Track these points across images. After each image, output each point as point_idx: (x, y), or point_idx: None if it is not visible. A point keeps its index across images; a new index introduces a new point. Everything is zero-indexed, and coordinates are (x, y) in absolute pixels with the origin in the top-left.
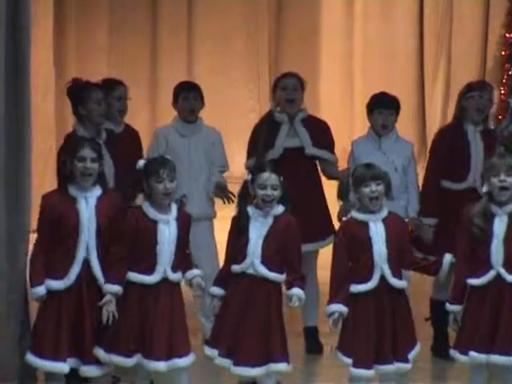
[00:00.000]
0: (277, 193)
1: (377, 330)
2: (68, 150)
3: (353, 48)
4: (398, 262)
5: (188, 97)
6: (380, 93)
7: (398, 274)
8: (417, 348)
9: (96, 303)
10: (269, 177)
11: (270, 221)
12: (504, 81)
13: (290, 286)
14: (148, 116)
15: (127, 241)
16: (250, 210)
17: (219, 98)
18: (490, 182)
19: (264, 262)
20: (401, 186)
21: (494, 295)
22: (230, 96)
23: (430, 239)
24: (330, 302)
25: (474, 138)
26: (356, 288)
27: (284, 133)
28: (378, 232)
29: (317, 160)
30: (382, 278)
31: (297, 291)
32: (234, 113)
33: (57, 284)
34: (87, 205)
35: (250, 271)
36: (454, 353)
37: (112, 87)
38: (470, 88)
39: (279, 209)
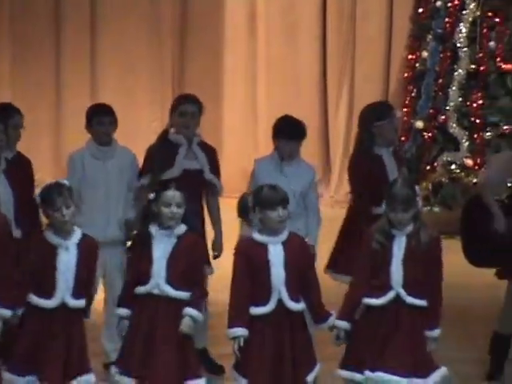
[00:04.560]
0: (181, 210)
1: (274, 353)
2: None
3: (256, 71)
4: (297, 285)
5: (103, 121)
6: (288, 119)
7: (296, 297)
8: (316, 369)
9: None
10: (174, 194)
11: (173, 240)
12: (407, 102)
13: (187, 305)
14: (52, 140)
15: (29, 264)
16: (153, 229)
17: (123, 121)
18: (389, 214)
19: (169, 281)
20: (296, 210)
21: (391, 316)
22: (134, 118)
23: None
24: (232, 325)
25: (390, 161)
26: (254, 310)
27: (182, 154)
28: (276, 255)
29: (207, 186)
30: (280, 301)
31: (189, 311)
32: (137, 135)
33: None
34: None
35: (156, 292)
36: (341, 371)
37: (8, 115)
38: (377, 116)
39: (182, 228)
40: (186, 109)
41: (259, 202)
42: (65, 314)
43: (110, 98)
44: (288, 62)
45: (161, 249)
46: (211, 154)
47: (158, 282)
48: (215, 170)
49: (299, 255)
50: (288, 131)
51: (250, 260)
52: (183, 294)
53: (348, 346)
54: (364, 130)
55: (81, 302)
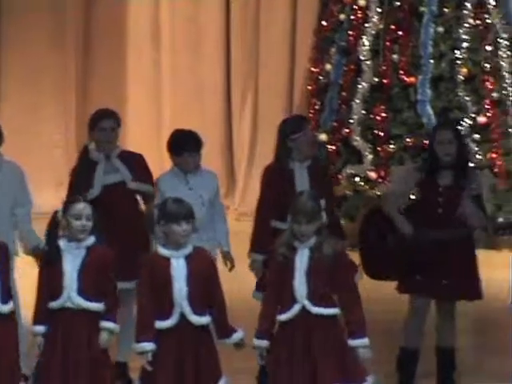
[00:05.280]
0: (90, 223)
1: (177, 366)
2: None
3: (160, 81)
4: (201, 300)
5: None
6: (184, 133)
7: (200, 312)
8: (222, 382)
9: None
10: (83, 207)
11: (83, 252)
12: (311, 115)
13: (102, 318)
14: None
15: None
16: (62, 243)
17: (27, 135)
18: (293, 226)
19: (81, 293)
20: (207, 219)
21: (301, 329)
22: (37, 132)
23: (258, 275)
24: (138, 340)
25: (301, 176)
26: (158, 324)
27: (101, 171)
28: (179, 269)
29: (137, 194)
30: (183, 315)
31: (105, 324)
32: (40, 148)
33: None
34: None
35: (69, 305)
36: None
37: None
38: (292, 129)
39: (91, 240)
40: (105, 125)
41: (163, 216)
42: None
43: (12, 111)
44: (192, 72)
45: (71, 262)
46: (134, 161)
47: (70, 294)
48: (142, 176)
49: (203, 270)
50: (189, 144)
51: (154, 274)
52: (96, 306)
53: (268, 363)
54: (280, 143)
55: None
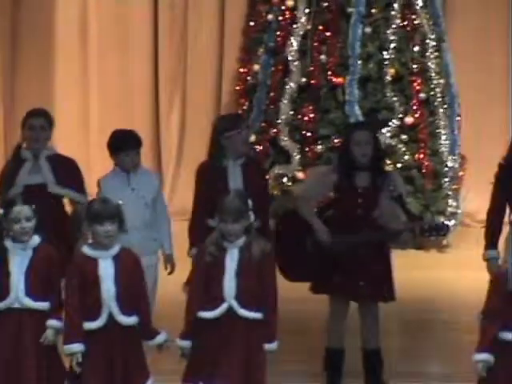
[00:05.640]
0: (31, 223)
1: (107, 367)
2: None
3: (88, 85)
4: (130, 300)
5: None
6: (120, 132)
7: (128, 312)
8: (149, 382)
9: None
10: (21, 209)
11: (29, 253)
12: None
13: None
14: None
15: None
16: (8, 243)
17: None
18: (221, 225)
19: (29, 293)
20: (150, 220)
21: (226, 329)
22: None
23: None
24: (67, 341)
25: (234, 174)
26: (86, 325)
27: (26, 170)
28: (107, 269)
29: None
30: (111, 315)
31: (51, 323)
32: None
33: None
34: None
35: (16, 305)
36: None
37: None
38: (226, 127)
39: (36, 239)
40: (34, 122)
41: (88, 216)
42: None
43: None
44: (120, 73)
45: (17, 262)
46: (63, 165)
47: (18, 295)
48: (68, 180)
49: (130, 270)
50: (126, 143)
51: (82, 274)
52: (44, 305)
53: (188, 361)
54: (214, 140)
55: None
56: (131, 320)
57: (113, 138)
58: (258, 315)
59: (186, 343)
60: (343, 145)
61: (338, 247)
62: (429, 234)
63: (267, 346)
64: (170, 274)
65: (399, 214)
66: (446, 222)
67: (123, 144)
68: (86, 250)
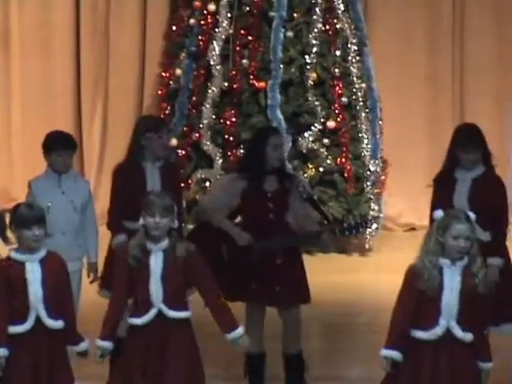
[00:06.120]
0: None
1: (33, 371)
2: None
3: (10, 86)
4: (56, 303)
5: None
6: (56, 133)
7: (55, 315)
8: None
9: None
10: None
11: None
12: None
13: None
14: None
15: None
16: None
17: None
18: (147, 220)
19: None
20: (78, 225)
21: (158, 333)
22: None
23: None
24: None
25: (152, 175)
26: (13, 329)
27: None
28: (34, 273)
29: None
30: (38, 319)
31: None
32: None
33: None
34: None
35: None
36: None
37: None
38: (147, 128)
39: None
40: None
41: (14, 221)
42: None
43: None
44: (42, 77)
45: None
46: None
47: None
48: None
49: (57, 274)
50: (59, 143)
51: (8, 279)
52: None
53: (116, 366)
54: (134, 141)
55: None
56: (58, 324)
57: (47, 138)
58: (186, 314)
59: (107, 344)
60: (254, 149)
61: (255, 253)
62: (349, 232)
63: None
64: (91, 282)
65: (312, 215)
66: (365, 219)
67: (55, 144)
68: (14, 254)
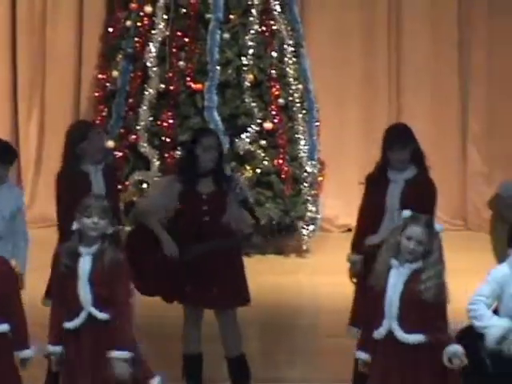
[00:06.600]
0: None
1: None
2: None
3: None
4: (2, 307)
5: None
6: None
7: (1, 319)
8: None
9: None
10: None
11: None
12: (98, 122)
13: None
14: None
15: None
16: None
17: None
18: (83, 222)
19: None
20: (6, 233)
21: (89, 336)
22: None
23: None
24: None
25: (96, 178)
26: None
27: None
28: None
29: None
30: None
31: None
32: None
33: None
34: None
35: None
36: None
37: None
38: (79, 138)
39: None
40: None
41: None
42: None
43: None
44: None
45: None
46: None
47: None
48: None
49: (2, 281)
50: None
51: None
52: None
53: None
54: (68, 150)
55: None
56: (3, 327)
57: None
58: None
59: (58, 348)
60: (186, 152)
61: (188, 257)
62: (279, 233)
63: (118, 354)
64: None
65: (245, 218)
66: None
67: None
68: None
